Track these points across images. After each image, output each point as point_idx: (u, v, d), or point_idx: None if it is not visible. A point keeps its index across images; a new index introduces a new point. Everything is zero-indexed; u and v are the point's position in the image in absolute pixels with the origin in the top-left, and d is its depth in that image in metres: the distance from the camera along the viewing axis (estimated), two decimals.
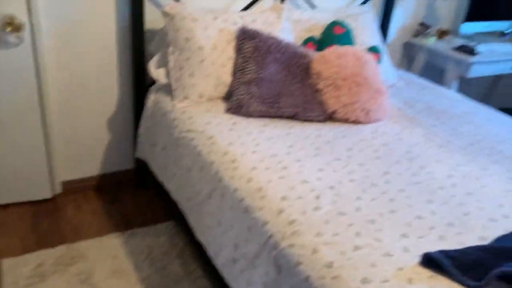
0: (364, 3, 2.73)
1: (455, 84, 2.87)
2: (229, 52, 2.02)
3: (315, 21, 2.37)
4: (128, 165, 2.45)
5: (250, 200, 1.39)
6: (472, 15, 2.97)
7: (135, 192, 2.41)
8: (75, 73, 2.12)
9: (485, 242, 1.22)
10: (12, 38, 1.85)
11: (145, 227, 2.13)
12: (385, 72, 2.40)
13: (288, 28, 2.24)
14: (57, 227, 2.10)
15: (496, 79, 3.79)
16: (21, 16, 1.84)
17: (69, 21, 2.01)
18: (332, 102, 1.92)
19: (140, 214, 2.25)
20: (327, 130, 1.84)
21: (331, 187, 1.43)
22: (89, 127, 2.27)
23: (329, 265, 1.12)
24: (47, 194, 2.23)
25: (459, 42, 2.95)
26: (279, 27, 2.18)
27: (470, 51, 2.76)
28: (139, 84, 2.19)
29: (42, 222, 2.12)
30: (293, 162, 1.55)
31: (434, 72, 3.19)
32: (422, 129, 1.93)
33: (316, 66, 2.00)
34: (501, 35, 3.31)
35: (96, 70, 2.16)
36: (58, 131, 2.20)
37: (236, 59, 2.00)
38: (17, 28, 1.83)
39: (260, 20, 2.14)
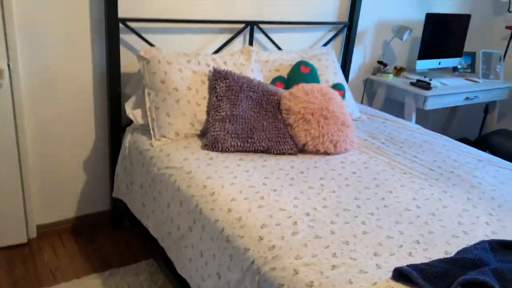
0: (325, 44, 2.94)
1: (414, 116, 3.08)
2: (203, 92, 2.13)
3: (282, 61, 2.53)
4: (104, 206, 2.46)
5: (230, 229, 1.46)
6: (425, 53, 3.23)
7: (112, 233, 2.41)
8: (52, 116, 2.17)
9: (449, 255, 1.33)
10: None
11: (124, 267, 2.13)
12: (349, 106, 2.57)
13: (257, 68, 2.39)
14: (34, 271, 2.07)
15: (452, 111, 4.07)
16: (1, 62, 1.90)
17: (46, 66, 2.07)
18: (302, 135, 2.05)
19: (118, 253, 2.25)
20: (300, 161, 1.95)
21: (307, 214, 1.52)
22: (65, 169, 2.29)
23: (310, 284, 1.19)
24: (23, 239, 2.21)
25: (415, 77, 3.19)
26: (249, 68, 2.32)
27: (425, 86, 2.99)
28: (115, 125, 2.25)
29: (18, 267, 2.08)
30: (270, 192, 1.64)
31: (394, 105, 3.42)
32: (387, 157, 2.07)
33: (286, 102, 2.14)
34: (452, 70, 3.61)
35: (72, 113, 2.22)
36: (34, 174, 2.21)
37: (210, 98, 2.11)
38: None
39: (231, 62, 2.28)
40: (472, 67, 3.67)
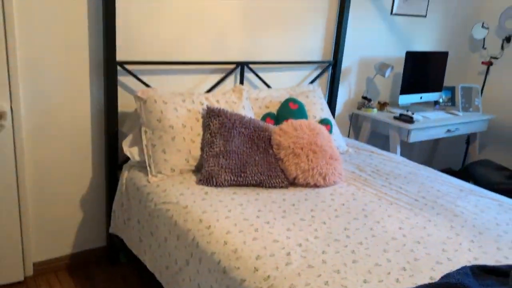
0: (312, 82, 3.09)
1: (398, 148, 3.21)
2: (198, 129, 2.23)
3: (272, 98, 2.66)
4: (101, 242, 2.50)
5: (227, 261, 1.53)
6: (407, 89, 3.40)
7: (109, 269, 2.44)
8: (51, 155, 2.24)
9: (434, 281, 1.41)
10: None
11: None
12: (336, 140, 2.69)
13: (248, 105, 2.51)
14: None
15: (436, 142, 4.23)
16: (4, 104, 1.99)
17: (47, 107, 2.17)
18: (293, 169, 2.15)
19: None
20: (291, 194, 2.04)
21: (299, 244, 1.60)
22: (63, 206, 2.34)
23: None
24: (19, 277, 2.23)
25: (398, 112, 3.34)
26: (241, 105, 2.44)
27: (408, 120, 3.13)
28: (112, 163, 2.33)
29: None
30: (264, 224, 1.72)
31: (379, 138, 3.55)
32: (374, 189, 2.17)
33: (276, 138, 2.24)
34: (433, 104, 3.78)
35: (71, 151, 2.29)
36: (32, 211, 2.25)
37: (204, 135, 2.21)
38: (0, 116, 1.96)
39: (223, 100, 2.40)
40: (452, 100, 3.85)
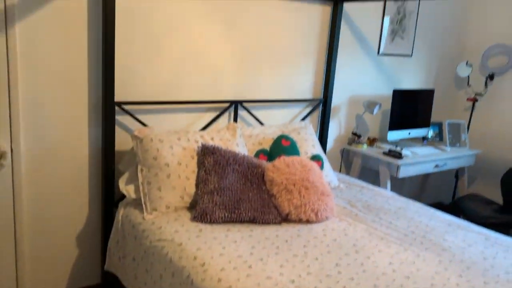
0: (303, 119, 3.19)
1: (388, 183, 3.28)
2: (193, 166, 2.29)
3: (264, 135, 2.75)
4: (95, 279, 2.51)
5: None
6: (395, 125, 3.51)
7: None
8: (48, 192, 2.28)
9: None
10: None
11: None
12: (328, 176, 2.76)
13: (242, 143, 2.59)
14: None
15: (425, 177, 4.31)
16: (4, 144, 2.05)
17: (46, 146, 2.23)
18: (285, 205, 2.20)
19: None
20: (284, 230, 2.08)
21: (292, 281, 1.63)
22: (58, 243, 2.37)
23: None
24: None
25: (387, 147, 3.44)
26: (235, 143, 2.51)
27: (397, 155, 3.22)
28: (108, 200, 2.38)
29: None
30: (257, 261, 1.75)
31: (370, 173, 3.63)
32: (364, 224, 2.22)
33: (269, 174, 2.31)
34: (422, 139, 3.89)
35: (68, 189, 2.34)
36: (28, 247, 2.27)
37: (199, 172, 2.27)
38: (0, 156, 2.02)
39: (217, 138, 2.47)
40: (440, 136, 3.97)
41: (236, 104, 2.81)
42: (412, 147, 3.57)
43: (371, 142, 3.52)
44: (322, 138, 3.28)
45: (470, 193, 3.88)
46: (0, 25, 1.96)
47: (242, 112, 2.89)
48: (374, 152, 3.35)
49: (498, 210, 3.29)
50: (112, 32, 2.18)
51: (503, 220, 3.12)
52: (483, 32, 4.11)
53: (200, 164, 2.28)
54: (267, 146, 2.69)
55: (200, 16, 2.55)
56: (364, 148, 3.42)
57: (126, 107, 2.39)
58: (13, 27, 2.01)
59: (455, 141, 3.80)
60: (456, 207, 3.39)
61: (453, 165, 3.64)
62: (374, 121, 3.71)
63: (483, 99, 4.12)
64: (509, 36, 3.93)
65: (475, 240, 2.13)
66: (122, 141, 2.43)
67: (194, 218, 2.12)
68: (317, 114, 3.31)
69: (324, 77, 3.23)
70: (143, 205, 2.18)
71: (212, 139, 2.45)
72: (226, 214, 2.12)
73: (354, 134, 3.48)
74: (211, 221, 2.10)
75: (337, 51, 3.17)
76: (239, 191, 2.23)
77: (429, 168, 3.43)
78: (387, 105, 3.67)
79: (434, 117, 4.08)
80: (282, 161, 2.38)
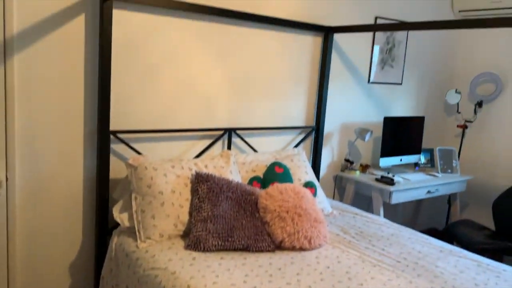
0: (296, 146, 3.23)
1: (381, 209, 3.30)
2: (186, 194, 2.31)
3: (258, 162, 2.78)
4: None
5: None
6: (387, 151, 3.56)
7: None
8: (42, 220, 2.28)
9: None
10: None
11: None
12: (321, 203, 2.78)
13: (235, 170, 2.62)
14: None
15: (418, 203, 4.34)
16: (0, 173, 2.06)
17: (41, 175, 2.24)
18: (279, 232, 2.21)
19: None
20: (277, 258, 2.09)
21: None
22: (52, 270, 2.35)
23: None
24: None
25: (379, 174, 3.47)
26: (228, 170, 2.54)
27: (389, 182, 3.26)
28: (102, 229, 2.38)
29: None
30: None
31: (363, 200, 3.65)
32: (357, 251, 2.24)
33: (263, 201, 2.33)
34: (413, 166, 3.94)
35: (62, 218, 2.34)
36: (20, 275, 2.25)
37: (193, 200, 2.29)
38: None
39: (211, 165, 2.50)
40: (431, 162, 4.02)
41: (229, 132, 2.85)
42: (404, 174, 3.61)
43: (364, 168, 3.56)
44: (315, 165, 3.32)
45: (463, 218, 3.90)
46: None
47: (235, 139, 2.93)
48: (367, 178, 3.39)
49: (490, 236, 3.31)
50: (108, 63, 2.24)
51: (495, 246, 3.14)
52: (471, 61, 4.22)
53: (194, 191, 2.30)
54: (260, 173, 2.72)
55: (194, 46, 2.62)
56: (357, 174, 3.46)
57: (121, 135, 2.42)
58: (12, 58, 2.06)
59: (447, 167, 3.85)
60: (449, 233, 3.40)
61: (445, 191, 3.68)
62: (366, 148, 3.76)
63: (473, 125, 4.20)
64: (496, 65, 4.04)
65: (467, 266, 2.14)
66: (116, 169, 2.45)
67: (188, 246, 2.12)
68: (310, 141, 3.36)
69: (316, 105, 3.30)
70: (137, 233, 2.18)
71: (206, 166, 2.48)
72: (220, 242, 2.13)
73: (347, 160, 3.52)
74: (205, 249, 2.10)
75: (328, 80, 3.25)
76: (233, 218, 2.24)
77: (421, 194, 3.47)
78: (379, 132, 3.73)
79: (425, 144, 4.15)
80: (275, 188, 2.40)
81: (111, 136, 2.37)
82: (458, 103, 4.16)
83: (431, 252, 2.29)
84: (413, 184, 3.38)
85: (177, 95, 2.61)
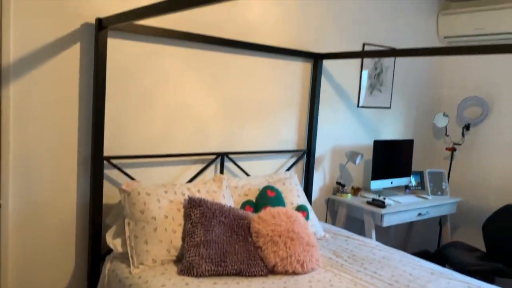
0: (288, 169, 3.27)
1: (373, 232, 3.32)
2: (179, 219, 2.32)
3: (250, 186, 2.80)
4: None
5: None
6: (377, 174, 3.61)
7: None
8: (35, 246, 2.28)
9: None
10: None
11: None
12: (313, 226, 2.80)
13: (228, 194, 2.64)
14: None
15: (410, 225, 4.37)
16: None
17: (34, 201, 2.25)
18: (271, 257, 2.22)
19: None
20: (270, 282, 2.10)
21: None
22: None
23: None
24: None
25: (370, 196, 3.51)
26: (221, 194, 2.56)
27: (380, 204, 3.29)
28: (94, 255, 2.37)
29: None
30: None
31: (355, 222, 3.67)
32: (349, 274, 2.25)
33: (255, 226, 2.35)
34: (404, 188, 3.98)
35: (55, 242, 2.33)
36: None
37: (186, 225, 2.30)
38: None
39: (204, 190, 2.52)
40: (421, 184, 4.07)
41: (222, 156, 2.89)
42: (395, 196, 3.65)
43: (355, 191, 3.60)
44: (307, 188, 3.35)
45: (454, 240, 3.93)
46: None
47: (228, 164, 2.96)
48: (359, 201, 3.42)
49: (481, 258, 3.34)
50: (102, 89, 2.28)
51: (487, 268, 3.16)
52: (458, 85, 4.34)
53: (187, 216, 2.31)
54: (253, 197, 2.74)
55: (187, 72, 2.68)
56: (349, 197, 3.49)
57: (115, 161, 2.44)
58: (8, 86, 2.10)
59: (437, 189, 3.90)
60: (441, 255, 3.43)
61: (435, 213, 3.72)
62: (357, 171, 3.81)
63: (461, 148, 4.28)
64: (482, 89, 4.15)
65: None
66: (109, 194, 2.46)
67: (181, 272, 2.12)
68: (301, 164, 3.40)
69: (307, 129, 3.35)
70: (130, 259, 2.18)
71: (199, 191, 2.50)
72: (213, 267, 2.13)
73: (338, 183, 3.56)
74: (198, 275, 2.10)
75: (318, 104, 3.32)
76: (226, 243, 2.25)
77: (412, 216, 3.50)
78: (369, 155, 3.79)
79: (415, 167, 4.21)
80: (267, 212, 2.43)
81: (105, 162, 2.39)
82: (446, 126, 4.25)
83: (422, 275, 2.31)
84: (404, 206, 3.41)
85: (170, 121, 2.65)
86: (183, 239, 2.28)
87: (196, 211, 2.31)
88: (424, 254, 4.25)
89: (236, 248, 2.25)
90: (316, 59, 3.26)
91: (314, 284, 2.11)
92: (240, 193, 2.74)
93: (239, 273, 2.15)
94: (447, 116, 4.15)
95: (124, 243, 2.25)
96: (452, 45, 4.25)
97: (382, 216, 3.23)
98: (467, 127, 4.21)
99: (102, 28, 2.23)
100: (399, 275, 2.28)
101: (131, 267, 2.15)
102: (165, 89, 2.60)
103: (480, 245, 3.87)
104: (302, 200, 2.92)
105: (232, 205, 2.61)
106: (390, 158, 3.73)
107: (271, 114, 3.14)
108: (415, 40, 4.03)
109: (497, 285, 2.34)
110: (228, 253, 2.21)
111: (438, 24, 4.20)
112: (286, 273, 2.21)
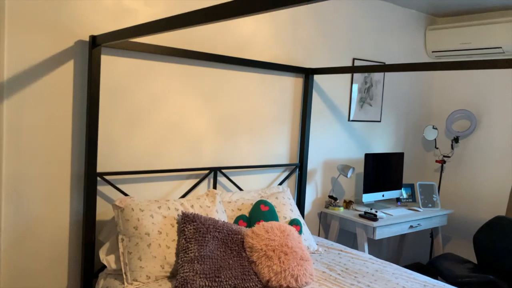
0: (281, 183, 3.29)
1: (366, 245, 3.34)
2: (173, 235, 2.32)
3: (243, 201, 2.82)
4: None
5: None
6: (369, 187, 3.64)
7: None
8: (27, 264, 2.26)
9: None
10: None
11: None
12: (306, 240, 2.81)
13: (221, 209, 2.64)
14: None
15: (402, 238, 4.39)
16: None
17: (26, 218, 2.23)
18: (266, 271, 2.23)
19: None
20: None
21: None
22: None
23: None
24: None
25: (362, 209, 3.54)
26: (214, 209, 2.57)
27: (372, 217, 3.32)
28: (87, 271, 2.35)
29: None
30: None
31: (348, 235, 3.69)
32: None
33: (249, 241, 2.35)
34: (395, 201, 4.02)
35: (47, 259, 2.32)
36: None
37: (179, 240, 2.30)
38: None
39: (197, 205, 2.53)
40: (412, 197, 4.11)
41: (215, 171, 2.90)
42: (386, 209, 3.68)
43: (347, 204, 3.62)
44: (300, 202, 3.37)
45: (445, 252, 3.96)
46: None
47: (221, 178, 2.97)
48: (351, 214, 3.44)
49: (473, 269, 3.37)
50: (96, 106, 2.30)
51: (478, 279, 3.19)
52: (446, 98, 4.42)
53: (181, 232, 2.31)
54: (246, 211, 2.75)
55: (180, 88, 2.70)
56: (341, 211, 3.51)
57: (108, 177, 2.45)
58: (1, 101, 2.10)
59: (427, 201, 3.94)
60: (433, 267, 3.45)
61: (427, 225, 3.75)
62: (349, 184, 3.84)
63: (451, 160, 4.34)
64: (470, 102, 4.23)
65: None
66: (102, 211, 2.46)
67: None
68: (294, 178, 3.42)
69: (299, 143, 3.39)
70: (124, 276, 2.17)
71: (192, 206, 2.50)
72: (207, 283, 2.13)
73: (331, 197, 3.58)
74: None
75: (310, 118, 3.36)
76: (220, 258, 2.26)
77: (404, 229, 3.53)
78: (360, 168, 3.83)
79: (406, 179, 4.25)
80: (261, 227, 2.43)
81: (98, 178, 2.39)
82: (435, 139, 4.31)
83: (415, 287, 2.32)
84: (395, 219, 3.44)
85: (163, 137, 2.67)
86: (177, 254, 2.27)
87: (190, 227, 2.31)
88: (416, 267, 4.27)
89: (230, 263, 2.25)
90: (307, 74, 3.31)
91: None
92: (233, 208, 2.75)
93: None
94: (436, 129, 4.22)
95: (117, 260, 2.24)
96: (440, 59, 4.34)
97: (374, 229, 3.26)
98: (456, 139, 4.27)
99: (95, 45, 2.25)
100: None
101: (125, 283, 2.14)
102: (158, 105, 2.62)
103: (471, 256, 3.91)
104: (295, 214, 2.93)
105: (226, 220, 2.62)
106: (381, 171, 3.77)
107: (264, 129, 3.17)
108: (404, 54, 4.11)
109: None
110: (223, 268, 2.21)
111: (426, 39, 4.29)
112: (280, 287, 2.22)
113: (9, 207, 2.18)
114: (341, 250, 2.90)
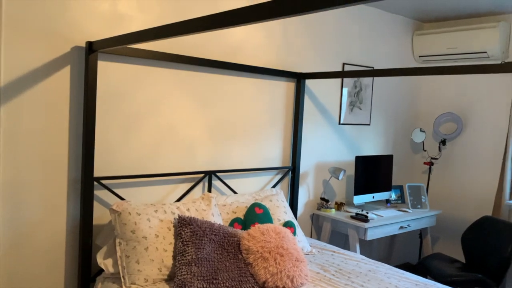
0: (274, 186, 3.34)
1: (358, 246, 3.40)
2: (170, 238, 2.35)
3: (238, 204, 2.85)
4: None
5: None
6: (360, 189, 3.71)
7: None
8: (24, 269, 2.26)
9: None
10: None
11: None
12: (300, 242, 2.86)
13: (217, 212, 2.68)
14: None
15: (392, 238, 4.47)
16: None
17: (23, 223, 2.24)
18: (262, 273, 2.27)
19: None
20: None
21: None
22: None
23: None
24: None
25: (353, 211, 3.60)
26: (210, 212, 2.60)
27: (363, 219, 3.38)
28: (85, 276, 2.36)
29: None
30: None
31: (340, 237, 3.75)
32: None
33: (245, 243, 2.39)
34: (385, 202, 4.10)
35: (44, 264, 2.32)
36: None
37: (176, 243, 2.32)
38: None
39: (193, 208, 2.56)
40: (402, 198, 4.19)
41: (210, 175, 2.93)
42: (377, 210, 3.75)
43: (339, 206, 3.68)
44: (293, 204, 3.42)
45: (434, 252, 4.05)
46: None
47: (215, 182, 3.00)
48: (342, 216, 3.50)
49: (461, 268, 3.45)
50: (92, 111, 2.32)
51: (467, 278, 3.27)
52: (433, 102, 4.52)
53: (177, 235, 2.34)
54: (241, 214, 2.79)
55: (175, 93, 2.74)
56: (333, 212, 3.57)
57: (105, 181, 2.46)
58: None
59: (416, 203, 4.02)
60: (422, 267, 3.52)
61: (416, 226, 3.83)
62: (340, 186, 3.91)
63: (438, 162, 4.44)
64: (456, 105, 4.34)
65: None
66: (99, 215, 2.47)
67: None
68: (286, 181, 3.47)
69: (292, 146, 3.44)
70: (122, 279, 2.19)
71: (188, 210, 2.53)
72: (205, 285, 2.16)
73: (322, 199, 3.64)
74: None
75: (302, 122, 3.42)
76: (217, 261, 2.29)
77: (394, 230, 3.60)
78: (351, 170, 3.89)
79: (395, 181, 4.34)
80: (257, 229, 2.47)
81: (95, 183, 2.41)
82: (423, 142, 4.40)
83: (408, 287, 2.39)
84: (386, 220, 3.51)
85: (159, 141, 2.70)
86: (174, 257, 2.30)
87: (187, 230, 2.34)
88: (406, 267, 4.35)
89: (227, 265, 2.28)
90: (299, 79, 3.37)
91: None
92: (228, 211, 2.79)
93: None
94: (424, 131, 4.31)
95: (115, 263, 2.26)
96: (427, 64, 4.44)
97: (365, 230, 3.32)
98: (443, 142, 4.37)
99: (92, 51, 2.27)
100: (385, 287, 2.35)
101: (123, 287, 2.16)
102: (153, 110, 2.65)
103: (460, 256, 4.00)
104: (289, 216, 2.98)
105: (221, 222, 2.65)
106: (371, 173, 3.84)
107: (257, 132, 3.22)
108: (392, 59, 4.20)
109: None
110: (220, 270, 2.24)
111: (413, 44, 4.39)
112: None
113: (6, 212, 2.18)
114: (334, 251, 2.95)
